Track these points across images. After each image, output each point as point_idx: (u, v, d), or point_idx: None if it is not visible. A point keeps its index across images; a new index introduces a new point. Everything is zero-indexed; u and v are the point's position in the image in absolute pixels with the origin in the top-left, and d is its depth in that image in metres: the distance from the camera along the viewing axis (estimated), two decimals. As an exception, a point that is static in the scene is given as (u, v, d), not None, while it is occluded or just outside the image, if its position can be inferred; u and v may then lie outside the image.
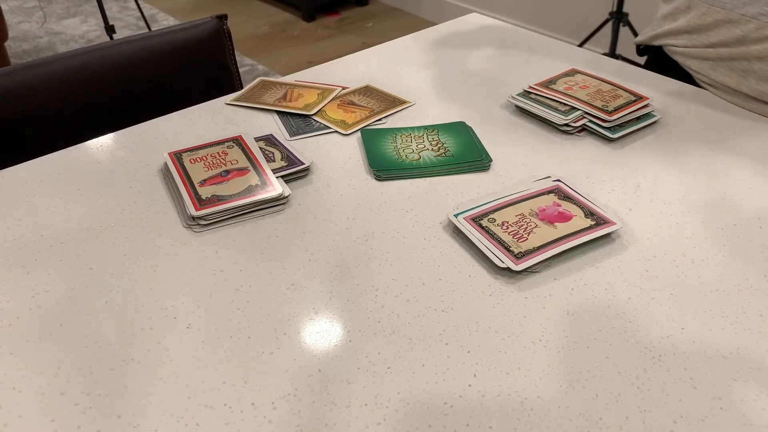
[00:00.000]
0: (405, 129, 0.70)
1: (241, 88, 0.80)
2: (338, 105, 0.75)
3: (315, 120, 0.72)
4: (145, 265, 0.52)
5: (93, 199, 0.60)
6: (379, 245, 0.54)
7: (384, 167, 0.63)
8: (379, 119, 0.72)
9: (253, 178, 0.59)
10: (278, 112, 0.74)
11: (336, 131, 0.70)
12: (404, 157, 0.65)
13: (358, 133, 0.70)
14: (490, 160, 0.65)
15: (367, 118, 0.72)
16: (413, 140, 0.68)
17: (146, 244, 0.54)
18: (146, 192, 0.61)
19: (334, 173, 0.64)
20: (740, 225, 0.55)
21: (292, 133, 0.70)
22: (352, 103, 0.75)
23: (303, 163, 0.62)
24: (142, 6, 2.64)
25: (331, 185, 0.62)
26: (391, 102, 0.76)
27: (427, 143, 0.67)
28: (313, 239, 0.55)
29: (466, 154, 0.65)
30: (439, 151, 0.66)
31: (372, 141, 0.68)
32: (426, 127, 0.70)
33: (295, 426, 0.40)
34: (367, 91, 0.78)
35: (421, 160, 0.65)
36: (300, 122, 0.72)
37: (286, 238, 0.55)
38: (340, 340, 0.45)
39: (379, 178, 0.63)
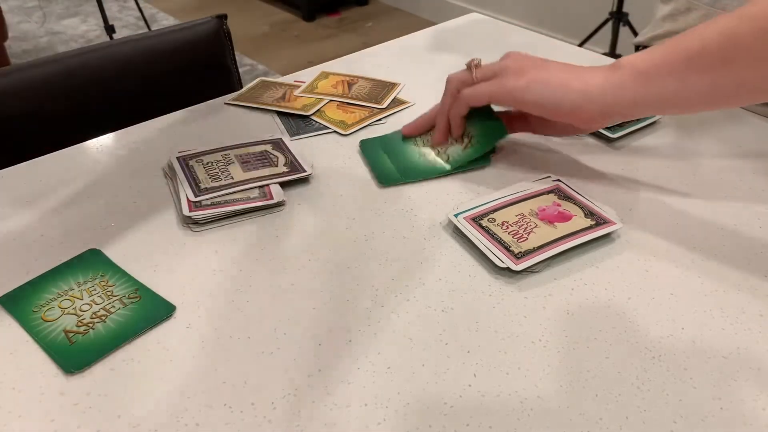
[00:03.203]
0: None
1: (241, 88, 0.80)
2: (337, 105, 0.75)
3: (314, 120, 0.72)
4: (145, 265, 0.52)
5: (93, 199, 0.60)
6: (379, 245, 0.54)
7: (414, 176, 0.61)
8: (379, 119, 0.72)
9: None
10: (278, 113, 0.74)
11: (335, 131, 0.70)
12: (430, 159, 0.63)
13: (359, 134, 0.70)
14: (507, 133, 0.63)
15: (367, 118, 0.72)
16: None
17: (146, 244, 0.54)
18: (146, 192, 0.61)
19: (334, 173, 0.64)
20: (740, 225, 0.55)
21: (292, 133, 0.70)
22: (353, 97, 0.75)
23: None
24: (142, 6, 2.64)
25: (331, 185, 0.62)
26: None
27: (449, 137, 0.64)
28: (313, 239, 0.55)
29: (490, 132, 0.62)
30: (465, 142, 0.63)
31: (391, 149, 0.65)
32: None
33: (295, 426, 0.40)
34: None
35: (450, 159, 0.62)
36: (300, 122, 0.72)
37: (286, 238, 0.55)
38: (340, 340, 0.45)
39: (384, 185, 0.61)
